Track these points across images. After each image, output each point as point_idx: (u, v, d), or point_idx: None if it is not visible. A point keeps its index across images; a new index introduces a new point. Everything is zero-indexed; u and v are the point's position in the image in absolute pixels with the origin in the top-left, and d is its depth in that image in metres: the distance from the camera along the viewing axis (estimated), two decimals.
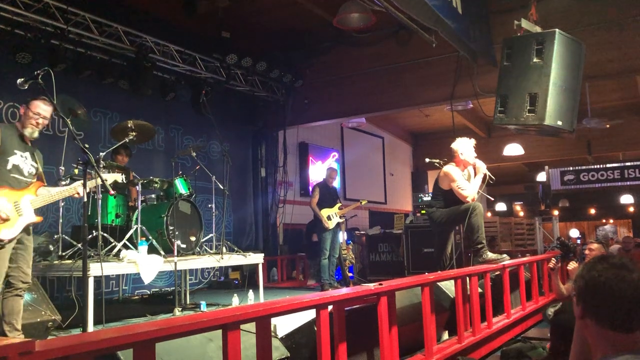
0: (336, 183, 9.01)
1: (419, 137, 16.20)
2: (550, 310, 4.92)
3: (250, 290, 6.46)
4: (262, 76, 9.47)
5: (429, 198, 9.68)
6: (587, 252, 5.22)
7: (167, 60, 8.11)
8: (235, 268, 8.64)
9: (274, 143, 10.45)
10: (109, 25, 7.24)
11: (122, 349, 2.22)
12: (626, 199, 21.73)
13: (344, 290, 3.45)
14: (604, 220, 25.59)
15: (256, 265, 6.72)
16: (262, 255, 6.72)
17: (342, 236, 9.11)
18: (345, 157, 13.05)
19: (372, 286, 3.45)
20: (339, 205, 8.40)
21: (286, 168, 10.40)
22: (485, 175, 5.75)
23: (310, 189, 11.47)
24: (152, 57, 7.78)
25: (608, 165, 13.39)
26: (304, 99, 10.04)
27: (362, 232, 11.07)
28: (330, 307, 3.07)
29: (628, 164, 13.32)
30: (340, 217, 8.37)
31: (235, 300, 6.24)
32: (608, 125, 12.00)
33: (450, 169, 5.77)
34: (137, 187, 5.88)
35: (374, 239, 10.38)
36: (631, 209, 22.73)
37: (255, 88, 9.64)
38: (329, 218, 8.19)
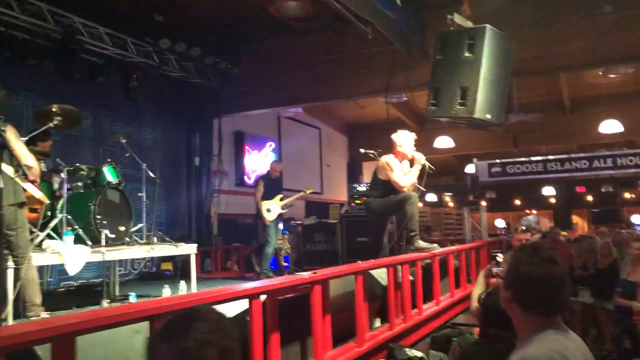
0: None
1: (354, 128, 16.33)
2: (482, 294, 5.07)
3: (182, 281, 6.29)
4: (197, 62, 9.21)
5: (364, 188, 9.79)
6: (524, 242, 5.42)
7: (96, 43, 7.74)
8: (168, 259, 8.40)
9: (209, 131, 10.21)
10: (31, 3, 6.81)
11: (39, 344, 2.09)
12: (548, 190, 22.78)
13: (277, 280, 3.41)
14: (527, 211, 26.77)
15: (189, 255, 6.56)
16: (195, 245, 6.55)
17: None
18: (282, 147, 12.96)
19: (306, 275, 3.43)
20: (280, 197, 8.37)
21: (221, 157, 10.21)
22: (424, 166, 5.88)
23: (246, 178, 11.39)
24: (80, 39, 7.41)
25: (532, 158, 13.92)
26: (240, 86, 9.85)
27: (297, 222, 11.06)
28: (263, 297, 3.02)
29: (550, 157, 13.89)
30: (283, 208, 8.35)
31: (167, 292, 6.06)
32: (536, 120, 12.51)
33: (388, 159, 5.86)
34: (62, 174, 5.59)
35: (309, 229, 10.38)
36: (552, 200, 23.86)
37: (189, 74, 9.37)
38: (268, 210, 8.16)
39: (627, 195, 23.49)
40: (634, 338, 4.90)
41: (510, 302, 1.81)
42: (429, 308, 5.42)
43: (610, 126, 12.67)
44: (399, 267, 4.87)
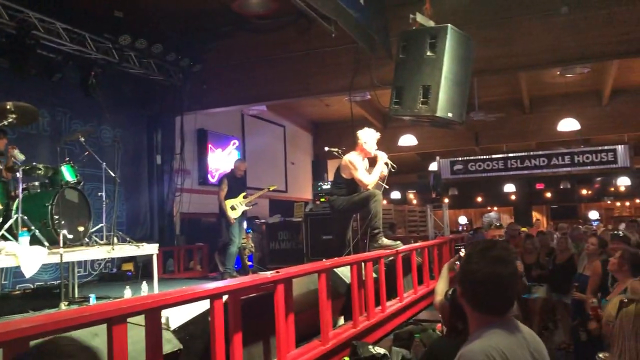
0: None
1: (319, 126, 16.36)
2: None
3: (144, 282, 6.21)
4: (158, 59, 9.07)
5: (328, 186, 9.81)
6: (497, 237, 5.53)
7: (53, 39, 7.54)
8: (129, 259, 8.27)
9: (171, 129, 10.06)
10: None
11: None
12: (509, 187, 23.33)
13: (239, 280, 3.39)
14: (489, 208, 27.32)
15: (150, 256, 6.47)
16: (157, 245, 6.47)
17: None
18: (246, 145, 12.89)
19: (268, 274, 3.42)
20: (243, 194, 8.38)
21: (184, 155, 10.07)
22: (386, 164, 5.94)
23: (210, 177, 11.28)
24: (36, 34, 7.20)
25: (493, 156, 14.24)
26: (202, 84, 9.75)
27: (262, 221, 11.02)
28: (225, 297, 3.00)
29: (511, 155, 14.24)
30: (247, 205, 8.37)
31: (128, 293, 5.97)
32: (496, 118, 12.76)
33: (352, 157, 5.90)
34: (17, 173, 5.43)
35: (274, 227, 10.35)
36: (513, 197, 24.42)
37: (150, 71, 9.21)
38: (232, 208, 8.16)
39: (584, 191, 24.24)
40: (590, 331, 5.04)
41: (460, 297, 1.88)
42: (392, 305, 5.47)
43: (568, 124, 13.03)
44: (363, 264, 4.89)
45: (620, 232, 6.84)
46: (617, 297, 3.92)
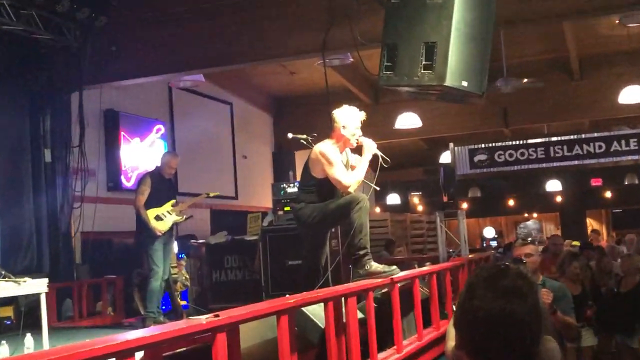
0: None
1: (282, 103, 16.38)
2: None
3: (29, 334, 6.16)
4: (45, 10, 8.95)
5: (295, 189, 9.82)
6: (524, 259, 5.56)
7: None
8: (6, 302, 8.17)
9: (65, 111, 9.99)
10: None
11: None
12: (553, 185, 23.29)
13: (161, 328, 3.36)
14: (526, 214, 27.54)
15: (37, 295, 6.41)
16: (46, 280, 6.42)
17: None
18: (176, 132, 12.86)
19: (203, 319, 3.39)
20: (171, 202, 8.47)
21: (84, 148, 9.97)
22: (375, 156, 5.94)
23: (124, 179, 11.20)
24: None
25: (530, 141, 14.33)
26: (111, 45, 9.67)
27: (200, 241, 10.98)
28: (139, 355, 2.97)
29: (554, 139, 14.33)
30: (179, 215, 8.40)
31: (4, 350, 5.93)
32: (534, 87, 12.86)
33: (326, 148, 5.89)
34: None
35: (218, 250, 10.34)
36: (559, 199, 24.57)
37: (33, 27, 9.07)
38: (158, 218, 8.15)
39: None
40: None
41: (458, 348, 1.84)
42: (387, 358, 5.49)
43: (634, 95, 13.14)
44: (343, 300, 4.90)
45: None
46: None
